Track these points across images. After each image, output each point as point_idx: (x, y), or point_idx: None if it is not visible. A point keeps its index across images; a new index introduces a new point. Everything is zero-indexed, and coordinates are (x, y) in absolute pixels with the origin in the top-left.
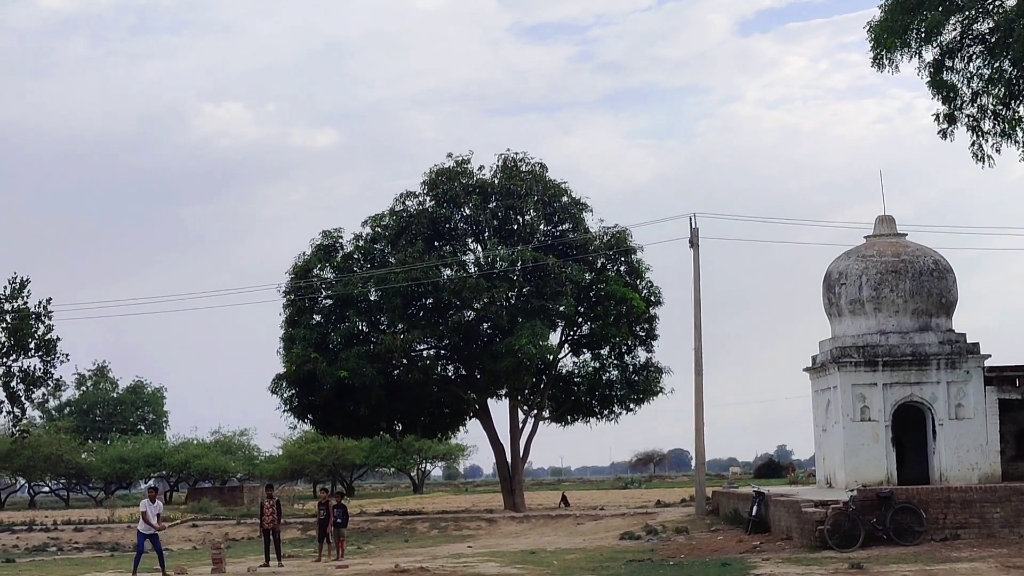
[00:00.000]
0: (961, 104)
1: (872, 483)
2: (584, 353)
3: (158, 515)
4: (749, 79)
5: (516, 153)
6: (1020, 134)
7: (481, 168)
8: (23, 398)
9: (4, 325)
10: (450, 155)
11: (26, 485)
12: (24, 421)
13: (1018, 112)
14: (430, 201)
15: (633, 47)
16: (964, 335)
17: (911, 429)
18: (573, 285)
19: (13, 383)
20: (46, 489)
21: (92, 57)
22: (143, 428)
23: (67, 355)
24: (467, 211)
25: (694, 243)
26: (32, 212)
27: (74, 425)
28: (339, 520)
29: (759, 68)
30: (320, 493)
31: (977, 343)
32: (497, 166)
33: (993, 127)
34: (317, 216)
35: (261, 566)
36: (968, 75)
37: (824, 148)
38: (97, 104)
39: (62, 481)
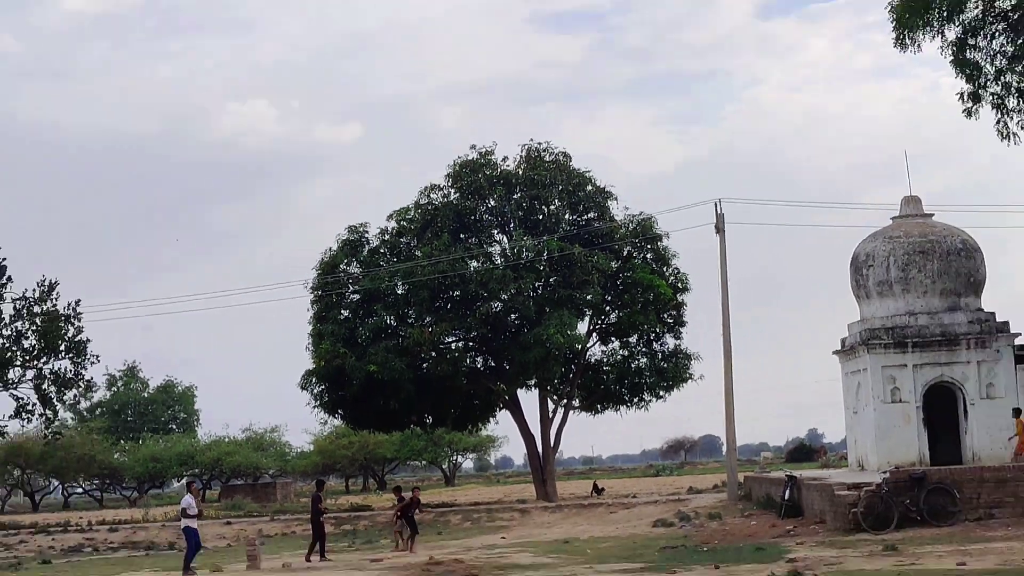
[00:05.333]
0: (985, 82)
1: (904, 464)
2: (612, 342)
3: (197, 510)
4: (772, 62)
5: (539, 143)
6: None
7: (505, 159)
8: (55, 400)
9: (34, 328)
10: (473, 147)
11: (60, 487)
12: (56, 423)
13: None
14: (455, 193)
15: (654, 33)
16: (993, 314)
17: (942, 410)
18: (599, 274)
19: (44, 385)
20: (80, 490)
21: (115, 59)
22: (174, 427)
23: (97, 356)
24: (492, 202)
25: (720, 229)
26: (60, 214)
27: (106, 425)
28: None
29: (782, 51)
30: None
31: (1007, 322)
32: (521, 157)
33: (1018, 104)
34: (344, 211)
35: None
36: (991, 53)
37: (849, 130)
38: (121, 105)
39: (95, 482)
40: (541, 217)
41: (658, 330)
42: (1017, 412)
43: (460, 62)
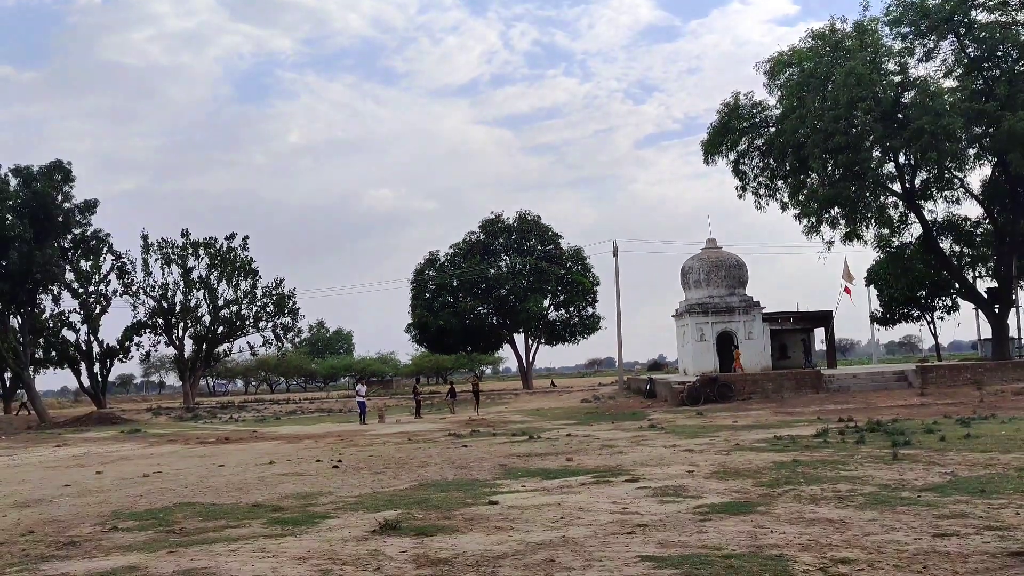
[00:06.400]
0: (748, 181)
1: (706, 371)
2: (561, 309)
3: (365, 392)
4: (642, 170)
5: (525, 210)
6: (777, 197)
7: (508, 218)
8: (283, 337)
9: (272, 301)
10: (492, 212)
11: (285, 381)
12: (283, 349)
13: (776, 185)
14: (483, 235)
15: (583, 155)
16: (752, 296)
17: (726, 344)
18: (555, 276)
19: (277, 330)
20: (295, 383)
21: (315, 167)
22: (342, 351)
23: (304, 316)
24: (501, 240)
25: (615, 254)
26: (288, 245)
27: (308, 350)
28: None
29: (646, 165)
30: (449, 382)
31: (759, 301)
32: (516, 217)
33: (764, 192)
34: (427, 244)
35: (415, 417)
36: (751, 167)
37: (682, 204)
38: (318, 191)
39: (303, 379)
40: (526, 247)
41: (583, 304)
42: (736, 346)
43: (486, 171)
